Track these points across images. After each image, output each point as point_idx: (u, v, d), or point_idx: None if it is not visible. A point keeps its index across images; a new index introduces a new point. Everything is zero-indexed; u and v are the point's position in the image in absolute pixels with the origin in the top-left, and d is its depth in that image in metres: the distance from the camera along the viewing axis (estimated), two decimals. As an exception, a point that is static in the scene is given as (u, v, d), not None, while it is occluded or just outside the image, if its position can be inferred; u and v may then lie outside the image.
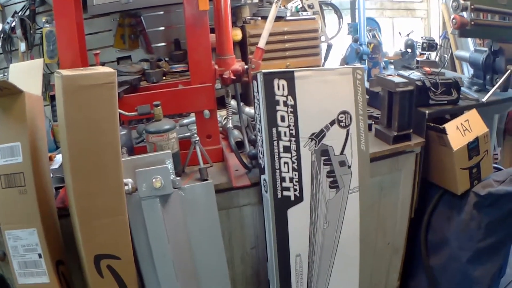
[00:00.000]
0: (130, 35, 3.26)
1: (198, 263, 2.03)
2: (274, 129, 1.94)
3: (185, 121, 2.73)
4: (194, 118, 2.44)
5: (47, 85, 3.10)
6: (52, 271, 1.77)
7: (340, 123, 2.04)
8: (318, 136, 2.01)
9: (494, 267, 2.64)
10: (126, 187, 1.80)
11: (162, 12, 3.36)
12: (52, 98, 2.91)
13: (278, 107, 1.93)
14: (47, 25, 3.08)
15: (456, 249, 2.62)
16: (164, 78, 3.04)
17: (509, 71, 2.80)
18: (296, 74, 1.95)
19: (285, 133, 1.96)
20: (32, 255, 1.74)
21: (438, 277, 2.77)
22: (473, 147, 2.50)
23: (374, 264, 2.68)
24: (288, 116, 1.95)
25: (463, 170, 2.49)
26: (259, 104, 1.96)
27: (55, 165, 2.38)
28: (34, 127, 1.76)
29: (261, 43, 2.21)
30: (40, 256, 1.74)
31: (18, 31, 3.08)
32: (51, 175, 2.08)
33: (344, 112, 2.05)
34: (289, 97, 1.94)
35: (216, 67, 2.25)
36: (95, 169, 1.68)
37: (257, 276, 2.43)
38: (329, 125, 2.02)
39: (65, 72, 1.64)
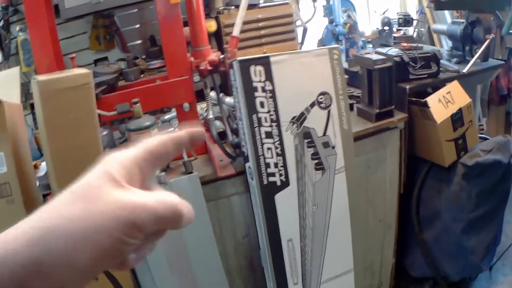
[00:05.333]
0: (105, 36, 3.24)
1: (191, 257, 2.04)
2: (254, 116, 1.93)
3: (167, 116, 2.72)
4: (175, 113, 2.43)
5: (27, 94, 3.08)
6: (46, 279, 1.75)
7: (321, 105, 2.04)
8: (299, 119, 2.00)
9: (488, 236, 2.66)
10: (112, 187, 1.78)
11: (135, 10, 3.34)
12: (33, 106, 2.89)
13: (256, 94, 1.92)
14: (21, 34, 3.06)
15: (448, 221, 2.63)
16: (142, 75, 3.02)
17: (488, 40, 2.80)
18: (272, 59, 1.94)
19: (265, 118, 1.95)
20: (24, 264, 1.72)
21: (433, 250, 2.78)
22: (457, 118, 2.50)
23: (367, 242, 2.69)
24: (268, 101, 1.94)
25: (449, 142, 2.49)
26: (237, 92, 1.95)
27: (41, 173, 2.37)
28: (16, 136, 1.75)
29: (236, 31, 2.19)
30: (33, 264, 1.72)
31: (-7, 42, 3.06)
32: (38, 183, 2.08)
33: (323, 93, 2.04)
34: (267, 83, 1.93)
35: (192, 59, 2.24)
36: (78, 171, 1.64)
37: (252, 265, 2.42)
38: (309, 107, 2.02)
39: (41, 77, 1.63)
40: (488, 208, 2.58)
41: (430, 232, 2.78)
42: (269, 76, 1.93)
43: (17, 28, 3.09)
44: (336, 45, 2.28)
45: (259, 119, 1.94)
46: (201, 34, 2.27)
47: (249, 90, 1.92)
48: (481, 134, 3.12)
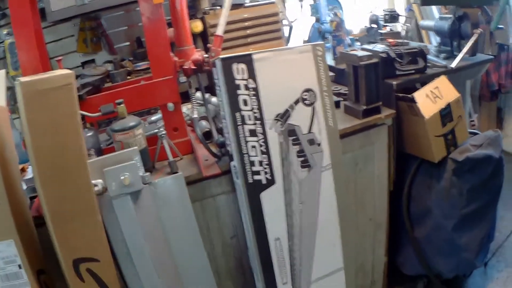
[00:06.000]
0: (92, 38, 3.25)
1: (178, 258, 2.02)
2: (237, 114, 1.92)
3: (154, 117, 2.72)
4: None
5: (16, 97, 3.07)
6: (33, 281, 1.75)
7: (305, 101, 2.03)
8: (283, 117, 2.00)
9: (481, 233, 2.64)
10: (96, 188, 1.77)
11: (122, 12, 3.34)
12: (21, 110, 2.89)
13: (239, 91, 1.92)
14: (8, 37, 3.05)
15: (440, 218, 2.61)
16: (129, 77, 3.02)
17: (476, 35, 2.79)
18: (254, 56, 1.94)
19: (249, 116, 1.94)
20: (12, 267, 1.72)
21: (424, 248, 2.76)
22: (445, 114, 2.49)
23: (358, 241, 2.67)
24: (251, 99, 1.93)
25: (438, 137, 2.48)
26: (220, 90, 1.95)
27: (29, 176, 2.36)
28: (1, 138, 1.74)
29: (219, 31, 2.19)
30: (20, 267, 1.72)
31: (-20, 46, 3.06)
32: (25, 186, 2.07)
33: (307, 90, 2.03)
34: (250, 80, 1.93)
35: (176, 59, 2.24)
36: (62, 172, 1.66)
37: (241, 266, 2.41)
38: (293, 104, 2.01)
39: (24, 78, 1.62)
40: (480, 204, 2.56)
41: (421, 229, 2.76)
42: (252, 74, 1.93)
43: (4, 32, 3.08)
44: (320, 42, 2.26)
45: (242, 117, 1.93)
46: (185, 33, 2.26)
47: (232, 88, 1.92)
48: (473, 130, 3.11)
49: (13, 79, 3.08)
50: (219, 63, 1.91)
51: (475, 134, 2.78)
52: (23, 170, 2.39)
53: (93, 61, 3.35)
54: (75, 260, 1.73)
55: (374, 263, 2.85)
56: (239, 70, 1.92)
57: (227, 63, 1.91)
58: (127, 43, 3.43)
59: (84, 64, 3.34)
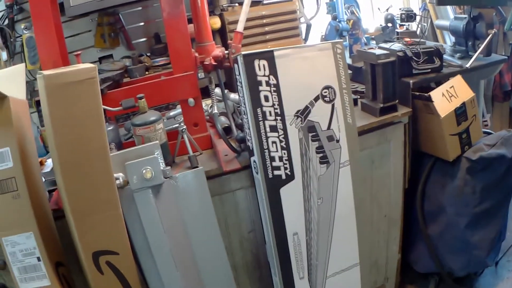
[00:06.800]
0: (110, 34, 3.25)
1: (196, 251, 2.03)
2: (258, 110, 1.94)
3: (172, 113, 2.73)
4: (180, 110, 2.44)
5: (32, 91, 3.09)
6: (52, 273, 1.76)
7: (325, 98, 2.05)
8: (303, 113, 2.01)
9: (493, 231, 2.65)
10: (118, 181, 1.79)
11: (140, 8, 3.35)
12: (38, 103, 2.90)
13: (260, 88, 1.94)
14: (26, 32, 3.07)
15: (453, 216, 2.63)
16: (147, 72, 3.04)
17: (491, 35, 2.80)
18: (276, 53, 1.96)
19: (270, 112, 1.96)
20: (31, 259, 1.73)
21: (437, 245, 2.78)
22: (460, 113, 2.50)
23: (373, 237, 2.69)
24: (272, 95, 1.95)
25: (453, 136, 2.49)
26: (242, 87, 1.96)
27: (47, 169, 2.37)
28: (21, 131, 1.75)
29: (239, 27, 2.20)
30: (39, 259, 1.73)
31: (-2, 41, 3.07)
32: (43, 179, 2.08)
33: (327, 87, 2.05)
34: (271, 77, 1.94)
35: (197, 54, 2.25)
36: (84, 165, 1.67)
37: (258, 260, 2.43)
38: (313, 101, 2.03)
39: (47, 72, 1.63)
40: (492, 203, 2.57)
41: (434, 227, 2.77)
42: (273, 70, 1.95)
43: (22, 26, 3.10)
44: (339, 40, 2.28)
45: (263, 113, 1.95)
46: (205, 29, 2.28)
47: (254, 84, 1.93)
48: (486, 130, 3.12)
49: (30, 73, 3.10)
50: (241, 60, 1.92)
51: (489, 133, 2.79)
52: (41, 163, 2.41)
53: (110, 56, 3.36)
54: (95, 253, 1.74)
55: (388, 259, 2.87)
56: (261, 67, 1.93)
57: (249, 59, 1.92)
58: (145, 39, 3.44)
59: (101, 59, 3.35)
